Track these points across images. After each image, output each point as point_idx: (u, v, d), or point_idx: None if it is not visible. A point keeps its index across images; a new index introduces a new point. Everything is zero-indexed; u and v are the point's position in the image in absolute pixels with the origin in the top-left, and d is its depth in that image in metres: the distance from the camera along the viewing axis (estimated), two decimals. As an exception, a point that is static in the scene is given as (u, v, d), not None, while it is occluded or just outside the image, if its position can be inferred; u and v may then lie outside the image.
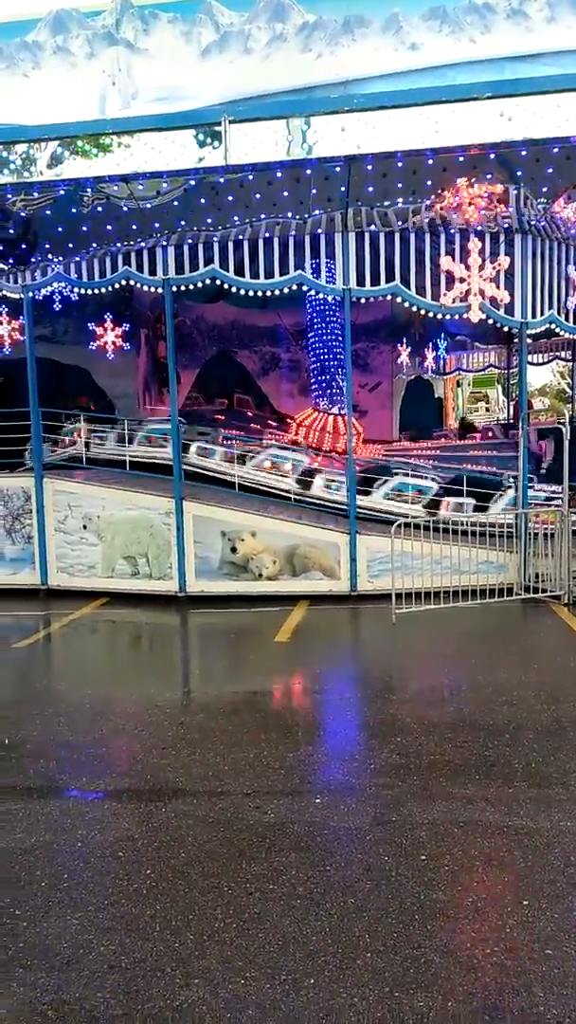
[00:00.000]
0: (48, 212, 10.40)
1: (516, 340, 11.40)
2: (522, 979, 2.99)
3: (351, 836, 4.11)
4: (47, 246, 10.90)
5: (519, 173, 9.28)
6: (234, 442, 11.33)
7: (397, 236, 9.52)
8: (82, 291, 10.75)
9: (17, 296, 10.82)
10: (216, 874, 3.79)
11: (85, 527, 10.38)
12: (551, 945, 3.19)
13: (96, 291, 10.58)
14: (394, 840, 4.04)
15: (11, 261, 11.00)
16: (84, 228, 10.61)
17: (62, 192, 9.84)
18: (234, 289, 10.05)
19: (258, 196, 10.03)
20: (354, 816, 4.31)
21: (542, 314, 9.88)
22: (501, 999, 2.89)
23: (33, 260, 10.85)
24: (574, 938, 3.23)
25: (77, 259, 10.40)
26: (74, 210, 10.35)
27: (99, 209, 10.26)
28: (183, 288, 10.17)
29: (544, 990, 2.93)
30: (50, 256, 10.78)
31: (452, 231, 9.51)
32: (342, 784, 4.74)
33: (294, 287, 9.96)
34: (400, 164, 9.03)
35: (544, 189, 9.61)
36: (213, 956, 3.19)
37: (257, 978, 3.05)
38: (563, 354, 18.40)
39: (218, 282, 9.98)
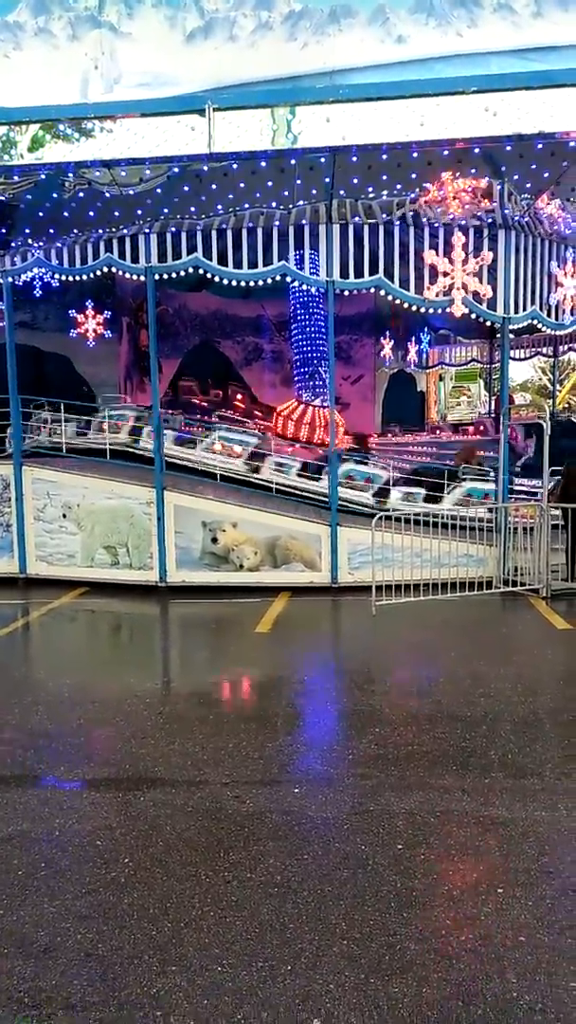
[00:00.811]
0: (29, 196, 10.28)
1: (498, 335, 11.47)
2: (496, 965, 3.04)
3: (329, 825, 4.13)
4: (27, 231, 10.77)
5: (503, 168, 9.31)
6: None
7: (381, 229, 9.53)
8: (63, 277, 10.65)
9: (-4, 281, 10.68)
10: (194, 863, 3.80)
11: (65, 516, 10.31)
12: (524, 932, 3.24)
13: (77, 278, 10.49)
14: (371, 829, 4.07)
15: (-10, 246, 10.87)
16: (65, 214, 10.50)
17: (43, 176, 9.72)
18: (217, 278, 10.00)
19: (242, 185, 9.98)
20: (332, 805, 4.34)
21: (524, 310, 9.95)
22: (475, 985, 2.93)
23: (13, 245, 10.72)
24: (547, 925, 3.28)
25: (58, 245, 10.30)
26: (55, 195, 10.24)
27: (81, 195, 10.15)
28: (166, 276, 10.11)
29: (517, 976, 2.98)
30: (30, 241, 10.66)
31: (436, 225, 9.53)
32: (320, 774, 4.77)
33: (277, 278, 9.94)
34: (385, 156, 9.03)
35: (528, 185, 9.65)
36: (190, 944, 3.20)
37: (234, 965, 3.07)
38: (544, 350, 18.53)
39: (201, 271, 9.93)
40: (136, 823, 4.19)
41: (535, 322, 10.35)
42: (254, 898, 3.50)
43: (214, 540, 9.90)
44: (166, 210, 10.17)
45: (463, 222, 9.49)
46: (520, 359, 19.24)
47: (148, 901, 3.50)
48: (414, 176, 9.49)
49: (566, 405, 25.99)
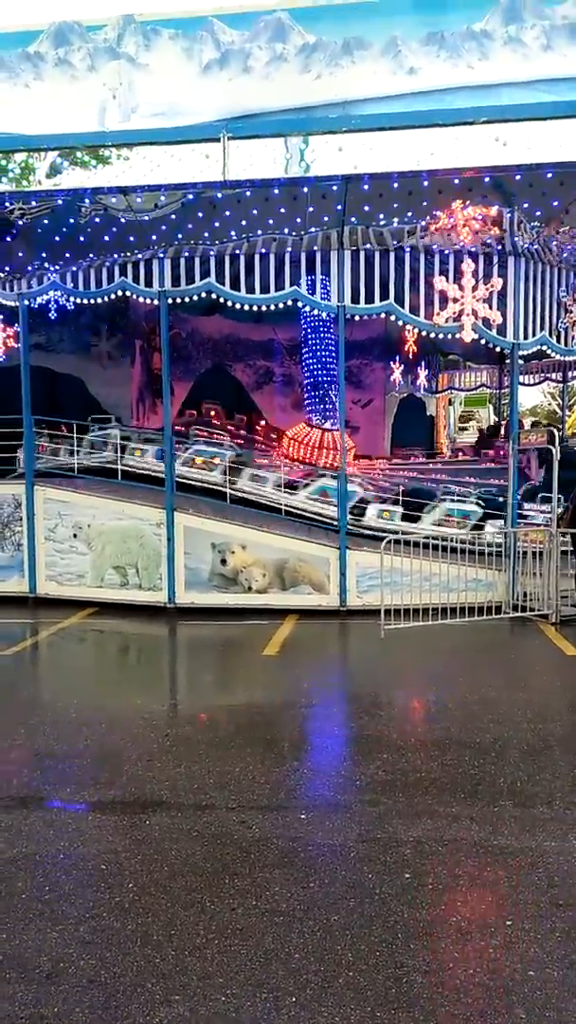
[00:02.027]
0: (46, 221, 10.43)
1: (508, 361, 11.52)
2: (504, 1000, 2.98)
3: (335, 853, 4.09)
4: (44, 255, 10.93)
5: (513, 196, 9.40)
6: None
7: (392, 255, 9.62)
8: (78, 301, 10.79)
9: (13, 304, 10.84)
10: (199, 889, 3.76)
11: (75, 536, 10.35)
12: (534, 966, 3.18)
13: (92, 301, 10.62)
14: (378, 857, 4.03)
15: (7, 269, 11.03)
16: (81, 238, 10.65)
17: (60, 202, 9.88)
18: (229, 303, 10.11)
19: (255, 212, 10.11)
20: (339, 833, 4.30)
21: (534, 335, 10.00)
22: (483, 1020, 2.88)
23: (30, 269, 10.88)
24: (557, 960, 3.23)
25: (74, 269, 10.45)
26: (72, 220, 10.39)
27: (97, 220, 10.30)
28: (179, 300, 10.22)
29: (526, 1012, 2.92)
30: (47, 265, 10.82)
31: (446, 252, 9.62)
32: (327, 800, 4.73)
33: (289, 302, 10.04)
34: (396, 185, 9.13)
35: (538, 213, 9.73)
36: (194, 972, 3.17)
37: (238, 995, 3.03)
38: (553, 375, 18.57)
39: (213, 295, 10.04)
40: (141, 847, 4.16)
41: (544, 348, 10.39)
42: (259, 926, 3.46)
43: (223, 561, 9.90)
44: (180, 235, 10.31)
45: (473, 249, 9.57)
46: (529, 384, 19.28)
47: (152, 927, 3.46)
48: (424, 204, 9.59)
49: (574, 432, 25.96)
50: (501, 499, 10.31)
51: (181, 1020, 2.90)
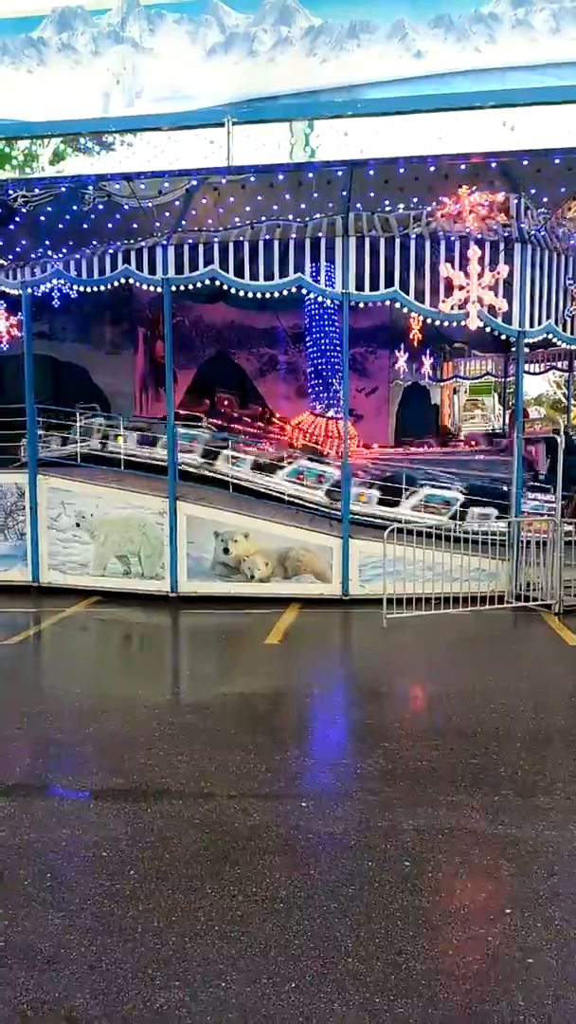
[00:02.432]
0: (49, 209, 10.38)
1: (513, 349, 11.44)
2: (504, 987, 2.99)
3: (336, 841, 4.10)
4: (47, 243, 10.88)
5: (520, 182, 9.31)
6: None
7: (397, 242, 9.55)
8: (81, 289, 10.74)
9: (16, 292, 10.80)
10: (199, 876, 3.78)
11: (78, 525, 10.35)
12: (533, 954, 3.19)
13: (95, 289, 10.57)
14: (379, 846, 4.03)
15: (10, 257, 10.98)
16: (85, 226, 10.59)
17: (63, 189, 9.83)
18: (233, 290, 10.06)
19: (260, 198, 10.04)
20: (339, 821, 4.30)
21: (540, 324, 9.92)
22: (483, 1007, 2.89)
23: (33, 256, 10.83)
24: (556, 948, 3.23)
25: (77, 256, 10.39)
26: (75, 207, 10.34)
27: (100, 207, 10.24)
28: (182, 288, 10.17)
29: (525, 999, 2.93)
30: (50, 253, 10.76)
31: (452, 238, 9.54)
32: (328, 788, 4.73)
33: (293, 290, 9.98)
34: (402, 170, 9.05)
35: (545, 199, 9.64)
36: (194, 958, 3.18)
37: (238, 981, 3.04)
38: (559, 364, 18.46)
39: (217, 283, 9.99)
40: (142, 835, 4.17)
41: (550, 336, 10.31)
42: (259, 913, 3.47)
43: (226, 551, 9.90)
44: (183, 222, 10.25)
45: (479, 236, 9.49)
46: (535, 373, 19.18)
47: (153, 914, 3.48)
48: (431, 190, 9.51)
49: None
50: (505, 488, 10.28)
51: (181, 1006, 2.91)
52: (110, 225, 10.54)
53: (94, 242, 10.60)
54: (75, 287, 10.76)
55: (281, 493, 10.40)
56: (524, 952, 3.20)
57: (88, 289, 10.61)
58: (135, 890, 3.67)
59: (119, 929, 3.37)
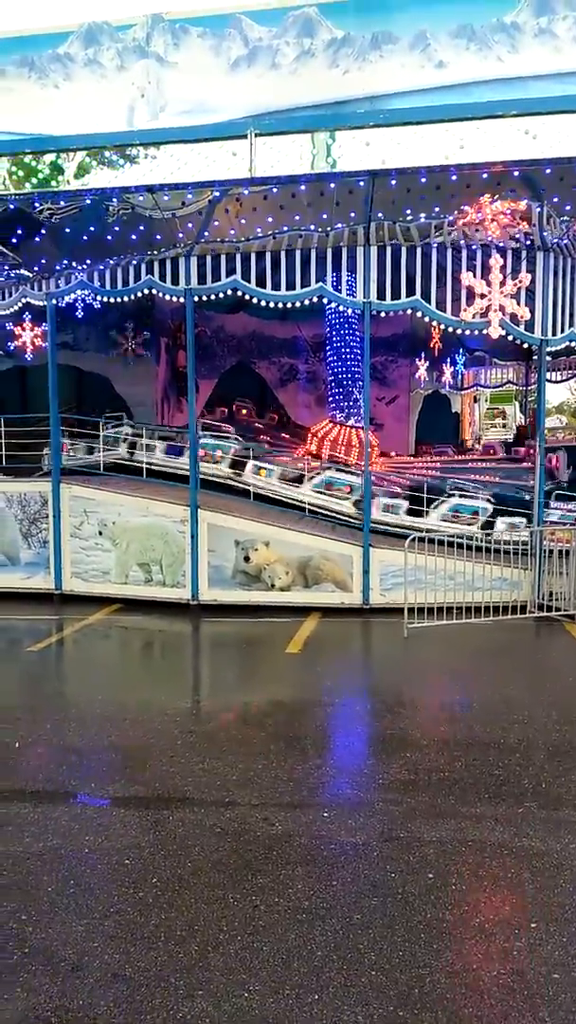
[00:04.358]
0: (74, 221, 10.51)
1: (535, 357, 11.39)
2: (528, 1003, 2.96)
3: (358, 851, 4.08)
4: (72, 254, 11.01)
5: (543, 190, 9.28)
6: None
7: (419, 251, 9.55)
8: (105, 299, 10.86)
9: (41, 303, 10.95)
10: (222, 885, 3.78)
11: (100, 533, 10.43)
12: (559, 969, 3.15)
13: (118, 300, 10.68)
14: (401, 857, 4.01)
15: (36, 269, 11.14)
16: (108, 237, 10.71)
17: (88, 201, 9.95)
18: (255, 300, 10.11)
19: (282, 208, 10.09)
20: (361, 831, 4.29)
21: (562, 332, 9.86)
22: (507, 1022, 2.86)
23: (57, 268, 10.97)
24: (582, 963, 3.19)
25: (101, 267, 10.51)
26: (99, 219, 10.46)
27: (124, 219, 10.35)
28: (204, 298, 10.25)
29: (550, 1015, 2.90)
30: (74, 264, 10.90)
31: (474, 247, 9.53)
32: (350, 798, 4.72)
33: (314, 299, 10.01)
34: (424, 180, 9.05)
35: (568, 207, 9.59)
36: (217, 968, 3.18)
37: (261, 992, 3.04)
38: (582, 372, 18.33)
39: (239, 293, 10.05)
40: (165, 843, 4.19)
41: (573, 344, 10.24)
42: (281, 923, 3.46)
43: (246, 559, 9.92)
44: (206, 233, 10.33)
45: (501, 244, 9.47)
46: (556, 381, 19.06)
47: (175, 923, 3.49)
48: (452, 198, 9.49)
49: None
50: (528, 497, 10.21)
51: (204, 1015, 2.91)
52: (134, 236, 10.64)
53: (118, 253, 10.71)
54: (99, 298, 10.87)
55: (302, 502, 10.42)
56: (549, 967, 3.17)
57: (112, 300, 10.72)
58: (158, 898, 3.68)
59: (142, 937, 3.39)
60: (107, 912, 3.57)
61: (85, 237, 10.73)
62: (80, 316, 12.25)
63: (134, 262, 10.26)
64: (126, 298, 10.58)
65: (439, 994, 3.01)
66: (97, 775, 5.10)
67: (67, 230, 10.67)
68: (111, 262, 10.52)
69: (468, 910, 3.58)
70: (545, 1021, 2.87)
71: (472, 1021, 2.87)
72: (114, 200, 9.97)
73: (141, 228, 10.51)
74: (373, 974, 3.13)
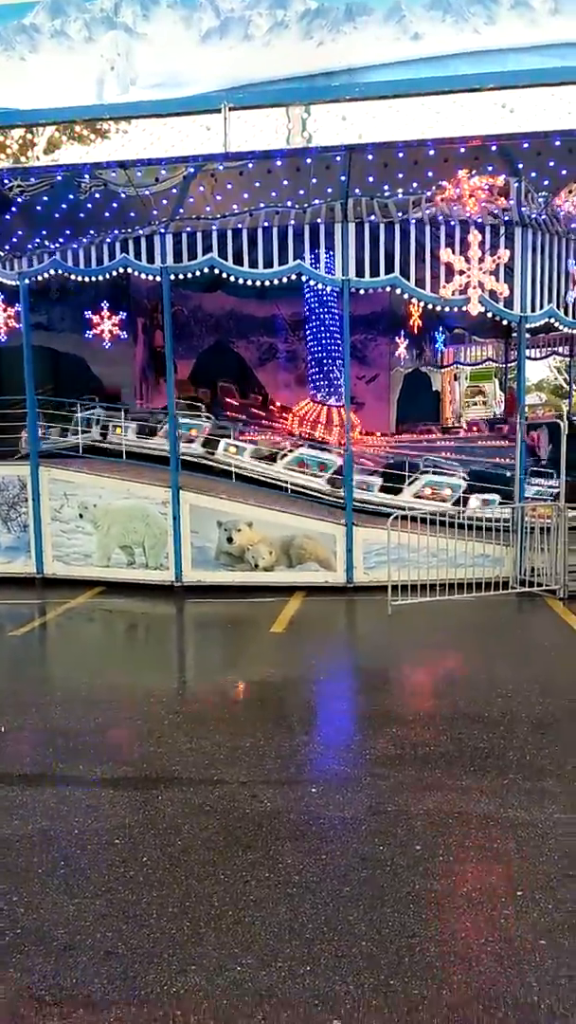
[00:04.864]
0: (45, 198, 10.33)
1: (514, 334, 11.40)
2: (517, 969, 3.02)
3: (346, 825, 4.12)
4: (44, 233, 10.82)
5: (520, 165, 9.25)
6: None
7: (397, 227, 9.49)
8: (79, 279, 10.69)
9: (13, 283, 10.75)
10: (212, 862, 3.80)
11: (81, 516, 10.35)
12: (545, 936, 3.21)
13: (93, 279, 10.51)
14: (389, 830, 4.06)
15: (7, 248, 10.93)
16: (81, 215, 10.54)
17: (59, 178, 9.77)
18: (232, 278, 10.01)
19: (258, 184, 9.98)
20: (349, 805, 4.33)
21: (541, 308, 9.87)
22: (496, 988, 2.91)
23: (30, 247, 10.77)
24: (568, 929, 3.26)
25: (74, 246, 10.34)
26: (71, 196, 10.28)
27: (97, 195, 10.19)
28: (181, 277, 10.12)
29: (538, 980, 2.95)
30: (47, 243, 10.71)
31: (452, 223, 9.49)
32: (337, 774, 4.76)
33: (292, 277, 9.93)
34: (401, 154, 9.01)
35: (545, 183, 9.58)
36: (209, 943, 3.20)
37: (253, 965, 3.07)
38: (560, 349, 18.40)
39: (216, 271, 9.94)
40: (154, 822, 4.20)
41: (552, 321, 10.26)
42: (272, 898, 3.50)
43: (229, 540, 9.90)
44: (181, 210, 10.18)
45: (479, 220, 9.44)
46: (536, 359, 19.12)
47: (167, 900, 3.50)
48: (430, 174, 9.44)
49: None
50: (509, 474, 10.27)
51: (198, 990, 2.94)
52: (107, 214, 10.49)
53: (91, 231, 10.54)
54: (73, 277, 10.70)
55: (283, 481, 10.40)
56: (536, 933, 3.23)
57: (86, 279, 10.56)
58: (148, 877, 3.69)
59: (134, 915, 3.40)
60: (98, 892, 3.58)
61: (57, 215, 10.56)
62: (54, 296, 12.06)
63: (108, 240, 10.10)
64: (101, 277, 10.42)
65: (429, 962, 3.06)
66: (84, 757, 5.09)
67: (38, 208, 10.48)
68: (85, 240, 10.35)
69: (456, 880, 3.63)
70: (533, 986, 2.92)
71: (462, 988, 2.92)
72: (86, 176, 9.80)
73: (114, 205, 10.36)
74: (364, 945, 3.18)
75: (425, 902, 3.45)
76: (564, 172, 9.42)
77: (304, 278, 10.15)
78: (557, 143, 8.56)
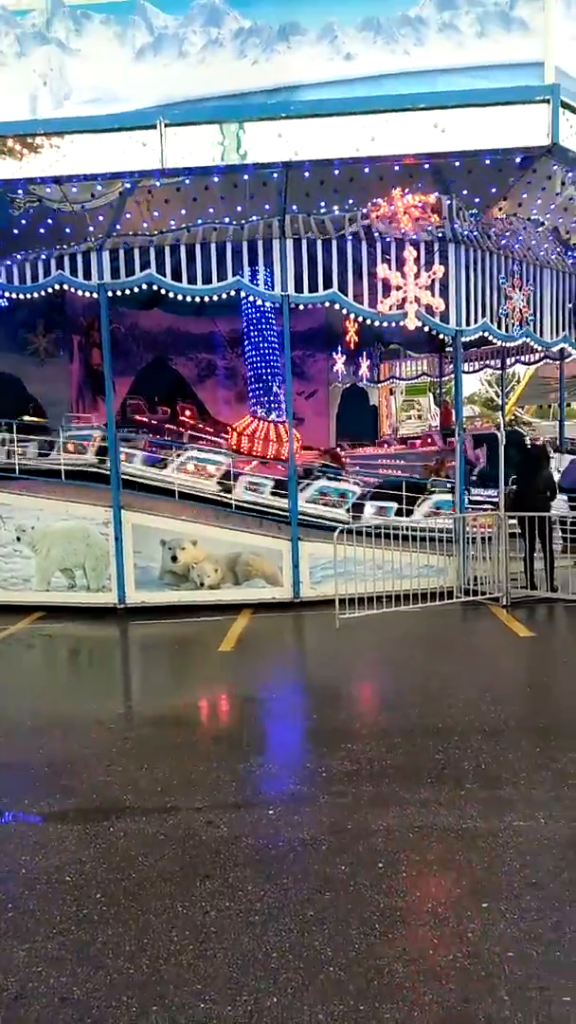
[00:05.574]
0: (-24, 214, 10.04)
1: (449, 348, 11.63)
2: (487, 983, 2.97)
3: (306, 847, 4.03)
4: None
5: (452, 183, 9.47)
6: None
7: (334, 243, 9.57)
8: (13, 296, 10.41)
9: (-56, 300, 10.41)
10: (169, 894, 3.65)
11: (19, 539, 10.02)
12: (512, 947, 3.18)
13: (28, 296, 10.26)
14: (350, 849, 3.99)
15: None
16: (15, 231, 10.28)
17: (-9, 193, 9.53)
18: (170, 295, 9.91)
19: (195, 200, 9.94)
20: (308, 826, 4.24)
21: (476, 322, 10.09)
22: (468, 1006, 2.86)
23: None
24: (534, 939, 3.24)
25: (8, 263, 10.07)
26: (4, 212, 10.02)
27: (31, 211, 9.96)
28: (118, 294, 9.97)
29: (509, 993, 2.92)
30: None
31: (388, 240, 9.63)
32: (295, 794, 4.66)
33: (230, 293, 9.90)
34: (337, 172, 9.09)
35: (476, 200, 9.83)
36: (170, 980, 3.06)
37: (217, 1001, 2.94)
38: (492, 362, 18.88)
39: (154, 287, 9.82)
40: (106, 855, 4.02)
41: (486, 334, 10.50)
42: (234, 928, 3.37)
43: (174, 559, 9.73)
44: (118, 226, 10.05)
45: (414, 236, 9.60)
46: (469, 372, 19.55)
47: (123, 938, 3.34)
48: (365, 191, 9.57)
49: (512, 417, 26.53)
50: (450, 484, 10.42)
51: (160, 1032, 2.80)
52: (42, 230, 10.26)
53: (26, 248, 10.29)
54: (7, 294, 10.42)
55: (226, 497, 10.30)
56: (504, 946, 3.20)
57: (21, 296, 10.29)
58: (103, 914, 3.52)
59: (88, 956, 3.23)
60: (50, 933, 3.40)
61: (-11, 231, 10.27)
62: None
63: (43, 256, 9.88)
64: (36, 295, 10.18)
65: (398, 983, 2.99)
66: (29, 790, 4.86)
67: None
68: (19, 257, 10.10)
69: (420, 896, 3.58)
70: (504, 1000, 2.88)
71: (433, 1008, 2.86)
72: (20, 192, 9.58)
73: (49, 221, 10.15)
74: (331, 970, 3.09)
75: (391, 921, 3.39)
76: (493, 190, 9.69)
77: (242, 294, 10.14)
78: (487, 161, 8.80)
